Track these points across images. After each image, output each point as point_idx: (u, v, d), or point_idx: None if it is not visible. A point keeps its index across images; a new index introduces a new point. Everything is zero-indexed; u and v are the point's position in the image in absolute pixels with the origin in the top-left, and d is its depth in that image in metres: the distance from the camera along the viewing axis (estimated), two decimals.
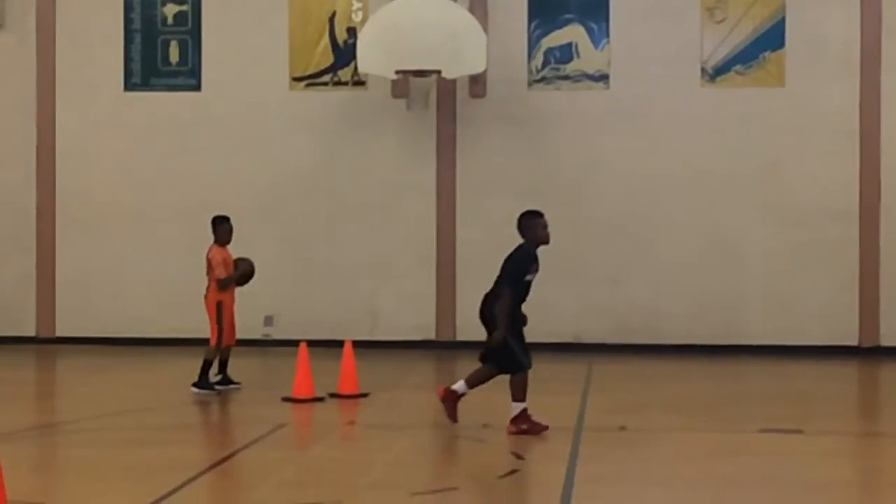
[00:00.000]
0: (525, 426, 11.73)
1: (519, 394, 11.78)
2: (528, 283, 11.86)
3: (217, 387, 14.64)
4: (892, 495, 9.42)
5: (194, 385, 14.52)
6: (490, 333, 11.81)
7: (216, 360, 14.74)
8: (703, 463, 10.69)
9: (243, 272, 14.84)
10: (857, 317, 19.15)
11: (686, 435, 11.96)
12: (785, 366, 17.82)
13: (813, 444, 11.57)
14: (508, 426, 11.78)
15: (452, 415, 12.03)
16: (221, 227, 14.90)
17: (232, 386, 14.78)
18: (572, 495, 9.20)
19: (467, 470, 10.75)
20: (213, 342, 14.65)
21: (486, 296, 11.91)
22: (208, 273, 14.84)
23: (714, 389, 15.45)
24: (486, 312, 11.86)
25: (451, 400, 12.05)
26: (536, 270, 11.87)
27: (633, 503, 9.01)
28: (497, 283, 11.86)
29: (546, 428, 11.77)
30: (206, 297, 14.84)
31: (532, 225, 11.91)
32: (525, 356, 11.86)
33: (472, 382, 12.02)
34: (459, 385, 12.01)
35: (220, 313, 14.62)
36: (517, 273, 11.79)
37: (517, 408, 11.78)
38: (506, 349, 11.75)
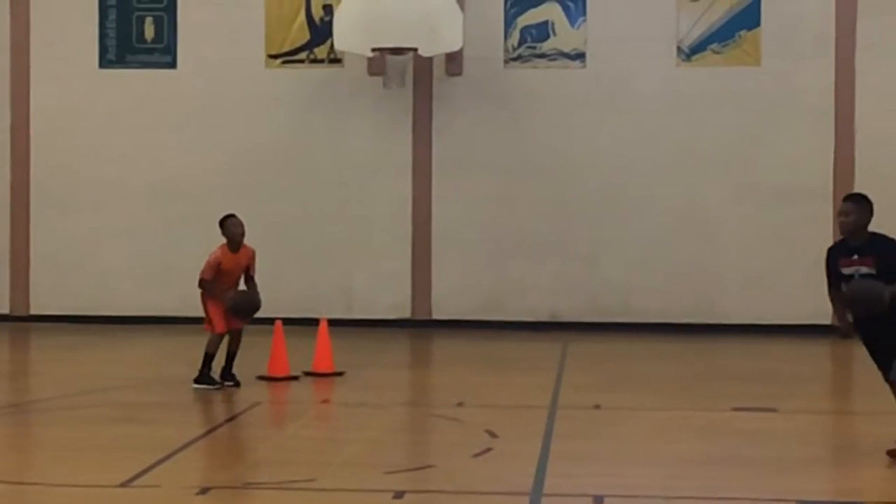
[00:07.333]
0: None
1: None
2: None
3: (218, 380, 13.35)
4: (865, 474, 9.46)
5: (195, 381, 13.31)
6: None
7: (218, 351, 13.43)
8: (676, 442, 10.72)
9: (235, 304, 13.40)
10: None
11: (660, 413, 12.00)
12: (759, 344, 17.89)
13: (786, 423, 11.62)
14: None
15: None
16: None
17: (227, 383, 13.37)
18: (546, 473, 9.23)
19: (442, 448, 10.77)
20: (206, 328, 13.47)
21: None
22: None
23: (688, 368, 15.49)
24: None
25: None
26: None
27: (608, 481, 9.03)
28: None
29: None
30: None
31: None
32: None
33: None
34: None
35: (205, 301, 13.46)
36: None
37: None
38: None
